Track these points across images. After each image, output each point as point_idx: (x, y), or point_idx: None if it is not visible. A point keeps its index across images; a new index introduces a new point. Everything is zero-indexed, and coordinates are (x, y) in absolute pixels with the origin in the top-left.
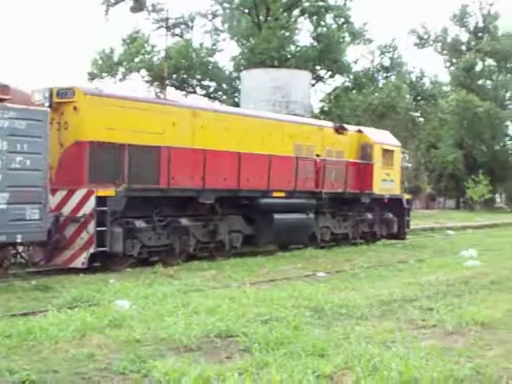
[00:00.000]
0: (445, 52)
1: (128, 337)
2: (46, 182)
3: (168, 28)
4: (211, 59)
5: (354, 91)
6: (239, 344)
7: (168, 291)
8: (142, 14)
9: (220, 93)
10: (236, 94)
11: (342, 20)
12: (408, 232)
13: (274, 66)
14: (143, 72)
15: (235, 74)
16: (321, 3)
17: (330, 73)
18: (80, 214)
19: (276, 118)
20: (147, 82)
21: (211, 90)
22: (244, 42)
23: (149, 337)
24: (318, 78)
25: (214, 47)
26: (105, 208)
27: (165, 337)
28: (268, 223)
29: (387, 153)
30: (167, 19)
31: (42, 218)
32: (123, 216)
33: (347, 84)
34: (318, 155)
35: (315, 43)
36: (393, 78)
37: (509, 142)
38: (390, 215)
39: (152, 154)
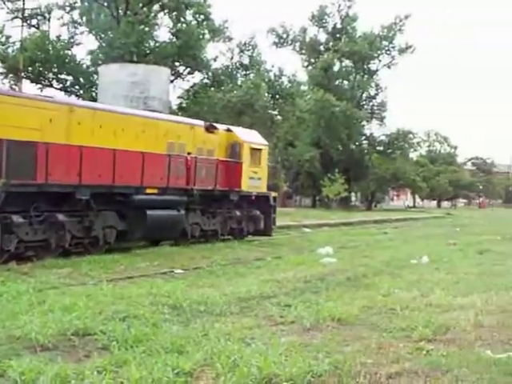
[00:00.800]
0: (303, 52)
1: None
2: None
3: (24, 19)
4: (68, 52)
5: (213, 88)
6: (97, 342)
7: (22, 289)
8: None
9: (77, 87)
10: (93, 89)
11: (202, 17)
12: (274, 228)
13: (132, 61)
14: None
15: (93, 69)
16: None
17: (189, 69)
18: None
19: (150, 116)
20: (1, 73)
21: (68, 83)
22: (102, 35)
23: (3, 336)
24: (177, 75)
25: (72, 40)
26: None
27: (20, 336)
28: (141, 219)
29: (255, 152)
30: (23, 10)
31: None
32: (1, 211)
33: (206, 81)
34: (189, 153)
35: (174, 39)
36: (252, 76)
37: (364, 142)
38: (258, 212)
39: (29, 150)
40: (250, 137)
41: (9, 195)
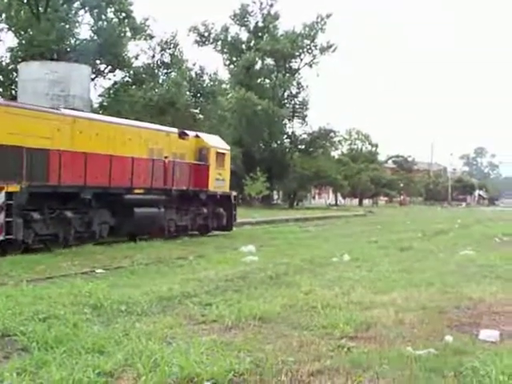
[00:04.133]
0: (225, 50)
1: None
2: None
3: None
4: None
5: (134, 87)
6: (17, 343)
7: None
8: None
9: None
10: (13, 87)
11: (124, 15)
12: (235, 224)
13: (53, 59)
14: None
15: (13, 66)
16: None
17: (110, 67)
18: None
19: (134, 125)
20: None
21: None
22: (22, 33)
23: None
24: (98, 73)
25: None
26: (11, 202)
27: None
28: (129, 216)
29: (220, 155)
30: None
31: None
32: (23, 209)
33: (127, 79)
34: (166, 157)
35: (95, 37)
36: (173, 75)
37: (286, 141)
38: (221, 210)
39: (43, 156)
40: (215, 142)
41: (29, 195)
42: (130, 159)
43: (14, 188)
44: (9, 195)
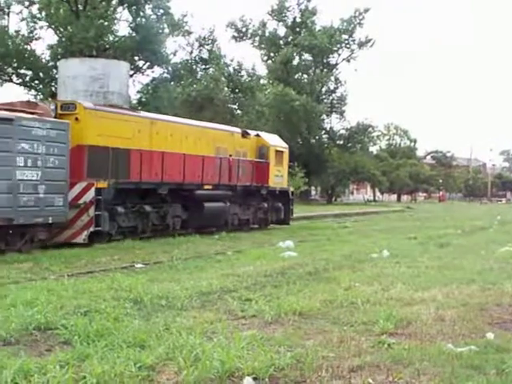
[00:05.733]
0: (263, 46)
1: None
2: (67, 177)
3: None
4: (28, 47)
5: (172, 83)
6: (59, 336)
7: None
8: None
9: (37, 82)
10: (53, 84)
11: (162, 11)
12: (292, 218)
13: (92, 56)
14: None
15: (52, 63)
16: None
17: (148, 64)
18: (81, 201)
19: (202, 126)
20: None
21: (27, 78)
22: (62, 30)
23: None
24: (137, 69)
25: (31, 35)
26: (100, 197)
27: None
28: (200, 210)
29: (278, 153)
30: None
31: (64, 205)
32: (109, 203)
33: (166, 75)
34: (230, 155)
35: (134, 34)
36: (211, 71)
37: (324, 136)
38: (279, 204)
39: (126, 155)
40: (274, 141)
41: (115, 191)
42: (200, 157)
43: (102, 184)
44: (98, 191)
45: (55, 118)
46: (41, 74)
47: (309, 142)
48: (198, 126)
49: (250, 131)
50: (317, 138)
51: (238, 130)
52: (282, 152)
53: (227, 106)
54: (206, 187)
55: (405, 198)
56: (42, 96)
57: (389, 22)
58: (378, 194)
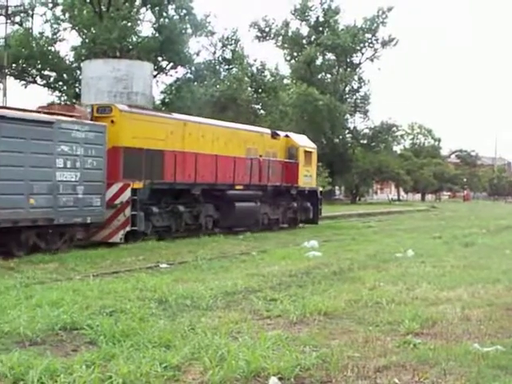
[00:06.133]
0: (286, 46)
1: None
2: (104, 178)
3: (7, 16)
4: (52, 49)
5: (196, 83)
6: (85, 337)
7: (10, 284)
8: None
9: (61, 83)
10: (77, 85)
11: (185, 11)
12: (320, 217)
13: (115, 57)
14: None
15: (76, 64)
16: None
17: (171, 64)
18: (117, 201)
19: (233, 127)
20: None
21: (51, 80)
22: (85, 31)
23: None
24: (160, 69)
25: (55, 36)
26: (136, 197)
27: (8, 330)
28: (231, 210)
29: (307, 154)
30: (6, 7)
31: (102, 205)
32: (144, 203)
33: (189, 76)
34: (260, 156)
35: (157, 34)
36: (234, 71)
37: (348, 135)
38: (308, 204)
39: (159, 156)
40: (303, 141)
41: (150, 191)
42: (232, 158)
43: (138, 185)
44: (133, 191)
45: (91, 120)
46: (65, 76)
47: (332, 141)
48: (229, 128)
49: (279, 132)
50: (340, 137)
51: (268, 130)
52: (310, 152)
53: (250, 106)
54: (237, 187)
55: (429, 197)
56: (65, 97)
57: (413, 20)
58: (402, 193)
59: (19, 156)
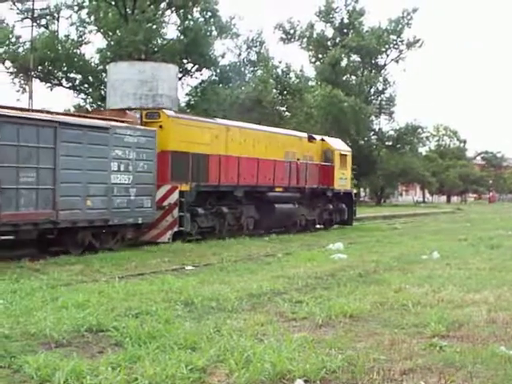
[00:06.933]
0: (311, 47)
1: None
2: (155, 180)
3: (33, 19)
4: (77, 51)
5: (221, 85)
6: (111, 338)
7: (36, 286)
8: (6, 5)
9: (86, 85)
10: (102, 87)
11: (209, 14)
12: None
13: (140, 59)
14: (8, 63)
15: (102, 67)
16: None
17: (196, 66)
18: (165, 203)
19: (273, 131)
20: (12, 73)
21: (77, 82)
22: (110, 34)
23: (18, 332)
24: (185, 72)
25: (81, 39)
26: (183, 199)
27: (35, 332)
28: (271, 211)
29: (342, 157)
30: (33, 10)
31: (152, 206)
32: (190, 205)
33: (214, 78)
34: (298, 159)
35: (182, 37)
36: (259, 73)
37: (373, 137)
38: (343, 206)
39: (204, 160)
40: (338, 145)
41: (196, 193)
42: (272, 161)
43: (185, 187)
44: (181, 193)
45: (140, 125)
46: (90, 78)
47: (357, 143)
48: (269, 132)
49: (315, 136)
50: (366, 139)
51: (305, 134)
52: (345, 155)
53: (275, 108)
54: (276, 189)
55: (455, 199)
56: (91, 100)
57: (438, 20)
58: (427, 195)
59: (77, 160)
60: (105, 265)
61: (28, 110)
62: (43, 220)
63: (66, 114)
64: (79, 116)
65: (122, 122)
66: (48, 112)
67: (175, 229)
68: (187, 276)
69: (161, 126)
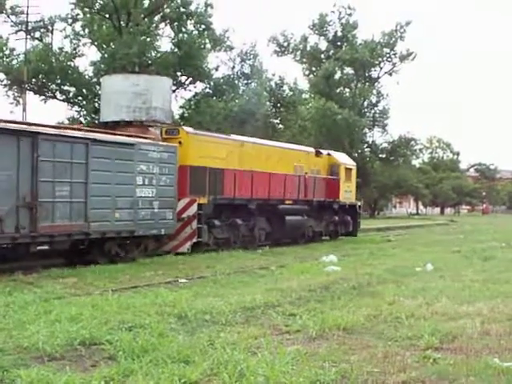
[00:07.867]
0: (304, 60)
1: None
2: (176, 193)
3: (27, 31)
4: (71, 64)
5: (215, 98)
6: (104, 352)
7: (29, 299)
8: (0, 17)
9: (80, 98)
10: (96, 100)
11: (203, 27)
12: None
13: (134, 72)
14: (1, 76)
15: (95, 80)
16: (182, 9)
17: (190, 79)
18: (184, 215)
19: (282, 147)
20: (5, 85)
21: (71, 95)
22: (104, 46)
23: (11, 345)
24: (179, 84)
25: (75, 52)
26: (201, 211)
27: (27, 345)
28: (281, 223)
29: (348, 170)
30: (27, 23)
31: (173, 218)
32: (208, 217)
33: (208, 90)
34: (306, 173)
35: (176, 49)
36: (253, 85)
37: (367, 150)
38: (348, 218)
39: (220, 174)
40: (343, 159)
41: (213, 206)
42: (282, 175)
43: (203, 200)
44: (199, 206)
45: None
46: (84, 91)
47: (351, 155)
48: (280, 147)
49: (322, 150)
50: (359, 151)
51: (312, 149)
52: (350, 169)
53: (269, 120)
54: (286, 202)
55: (448, 210)
56: (85, 112)
57: (431, 33)
58: (421, 207)
59: (107, 174)
60: (98, 278)
61: (60, 128)
62: (76, 231)
63: (95, 130)
64: (106, 133)
65: (145, 138)
66: (78, 129)
67: (194, 240)
68: (181, 289)
69: (180, 142)
